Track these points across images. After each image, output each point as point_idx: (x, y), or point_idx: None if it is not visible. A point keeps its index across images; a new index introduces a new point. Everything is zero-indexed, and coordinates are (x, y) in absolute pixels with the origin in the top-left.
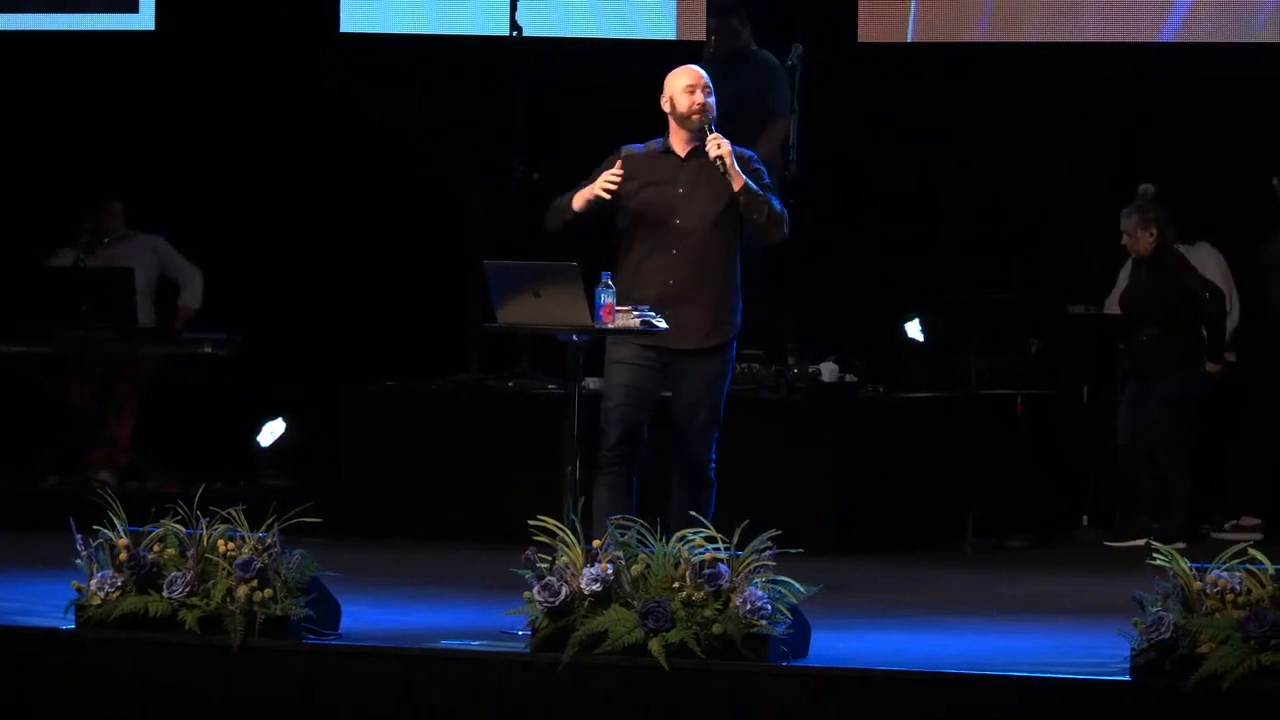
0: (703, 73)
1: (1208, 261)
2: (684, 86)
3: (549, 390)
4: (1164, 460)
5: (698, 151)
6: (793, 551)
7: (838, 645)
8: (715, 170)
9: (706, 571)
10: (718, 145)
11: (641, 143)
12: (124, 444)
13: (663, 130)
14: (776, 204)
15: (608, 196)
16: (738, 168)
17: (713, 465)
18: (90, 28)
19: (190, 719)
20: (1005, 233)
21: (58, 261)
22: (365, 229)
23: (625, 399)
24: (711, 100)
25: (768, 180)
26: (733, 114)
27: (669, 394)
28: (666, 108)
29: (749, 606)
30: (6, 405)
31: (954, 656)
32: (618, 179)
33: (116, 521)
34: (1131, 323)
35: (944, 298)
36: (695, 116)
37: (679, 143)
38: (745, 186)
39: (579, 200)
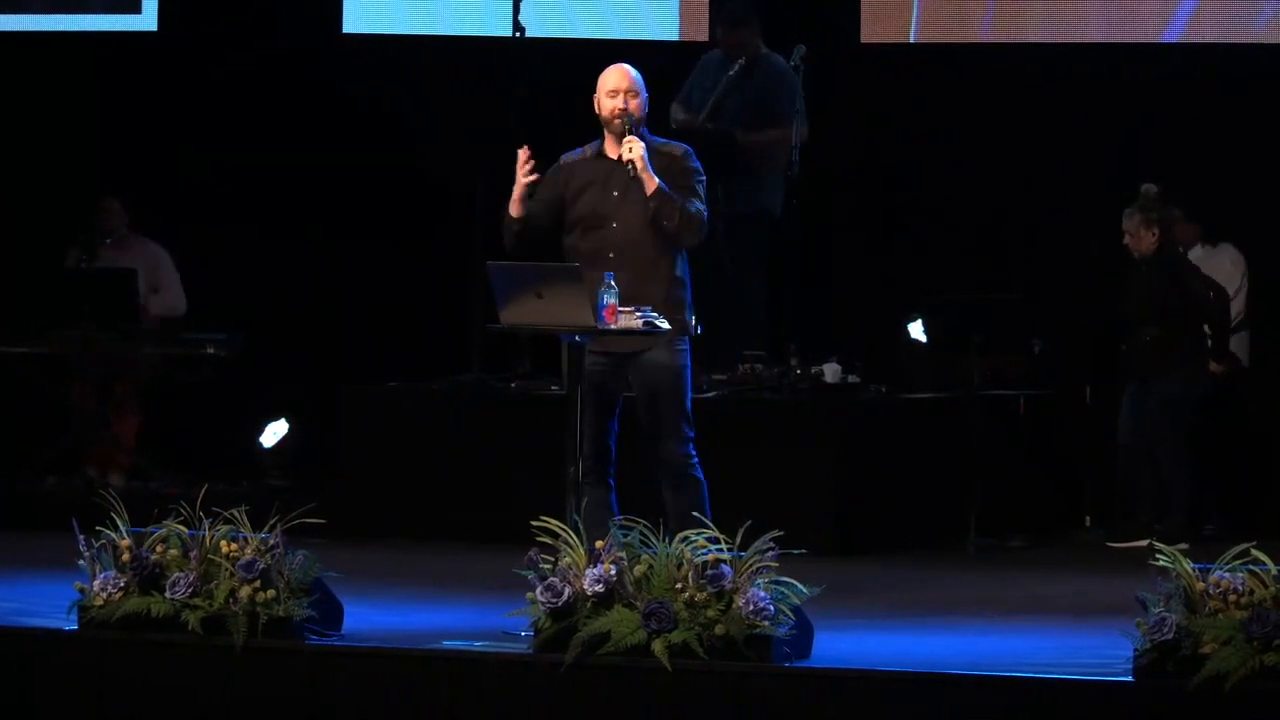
0: (630, 73)
1: (1221, 262)
2: (608, 90)
3: (551, 391)
4: (1164, 460)
5: None
6: (795, 552)
7: (840, 646)
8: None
9: (709, 572)
10: (629, 149)
11: (580, 147)
12: (129, 445)
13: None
14: (694, 207)
15: (531, 177)
16: (650, 171)
17: (693, 462)
18: (93, 28)
19: (192, 719)
20: (1007, 233)
21: (64, 262)
22: (367, 229)
23: (585, 408)
24: (638, 101)
25: (701, 178)
26: (742, 119)
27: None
28: (597, 109)
29: (751, 607)
30: (6, 405)
31: (956, 657)
32: (527, 162)
33: (119, 522)
34: (1134, 323)
35: (945, 298)
36: (616, 121)
37: (612, 146)
38: (657, 191)
39: (513, 206)
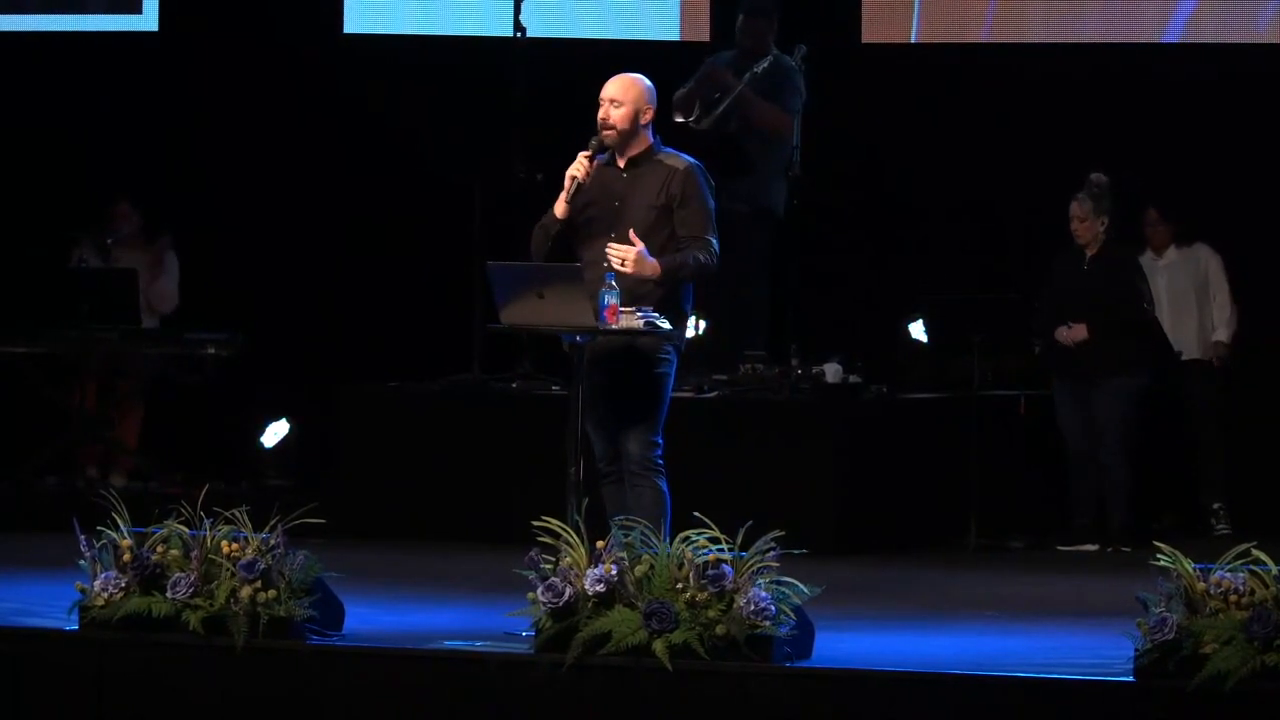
0: (620, 80)
1: (1202, 262)
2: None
3: (552, 391)
4: (1111, 462)
5: (634, 162)
6: (796, 552)
7: (841, 646)
8: (650, 181)
9: (710, 572)
10: (620, 261)
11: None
12: (129, 445)
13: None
14: (695, 261)
15: (583, 177)
16: (647, 262)
17: (652, 467)
18: (93, 28)
19: (193, 719)
20: (1007, 233)
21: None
22: (367, 229)
23: (591, 409)
24: (623, 113)
25: (710, 203)
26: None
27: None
28: None
29: (753, 607)
30: (6, 405)
31: (956, 657)
32: (586, 161)
33: (120, 522)
34: (1079, 320)
35: (946, 298)
36: (604, 133)
37: (620, 154)
38: (660, 276)
39: (559, 205)
